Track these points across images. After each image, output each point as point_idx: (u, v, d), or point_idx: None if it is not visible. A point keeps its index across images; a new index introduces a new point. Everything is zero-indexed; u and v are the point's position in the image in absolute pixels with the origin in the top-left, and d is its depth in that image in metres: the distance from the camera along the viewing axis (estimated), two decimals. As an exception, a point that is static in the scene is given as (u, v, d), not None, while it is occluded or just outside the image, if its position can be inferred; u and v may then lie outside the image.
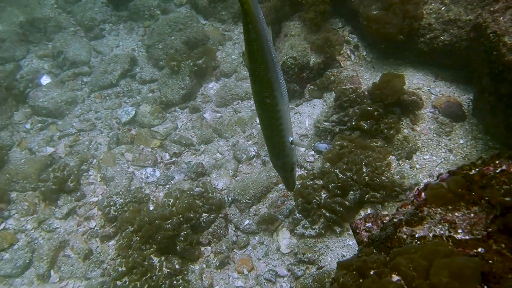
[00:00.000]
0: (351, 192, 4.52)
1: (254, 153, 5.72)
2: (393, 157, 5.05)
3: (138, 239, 4.66)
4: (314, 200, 4.64)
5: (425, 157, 4.98)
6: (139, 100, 7.01)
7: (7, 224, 5.70)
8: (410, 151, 5.03)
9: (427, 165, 4.91)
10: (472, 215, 2.34)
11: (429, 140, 5.06)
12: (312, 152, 5.41)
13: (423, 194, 2.50)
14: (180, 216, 4.84)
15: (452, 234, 2.32)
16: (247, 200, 5.16)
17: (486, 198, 2.25)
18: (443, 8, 5.30)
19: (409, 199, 2.60)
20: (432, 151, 4.98)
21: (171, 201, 4.98)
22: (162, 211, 4.82)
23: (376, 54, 6.17)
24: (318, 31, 6.24)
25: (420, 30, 5.42)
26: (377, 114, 5.04)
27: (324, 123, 5.39)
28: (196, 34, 7.59)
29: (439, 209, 2.42)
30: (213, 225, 5.03)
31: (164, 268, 4.48)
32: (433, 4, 5.40)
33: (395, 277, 2.17)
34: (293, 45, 6.19)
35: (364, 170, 4.54)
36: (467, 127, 5.02)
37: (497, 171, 2.42)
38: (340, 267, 2.35)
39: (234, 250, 4.97)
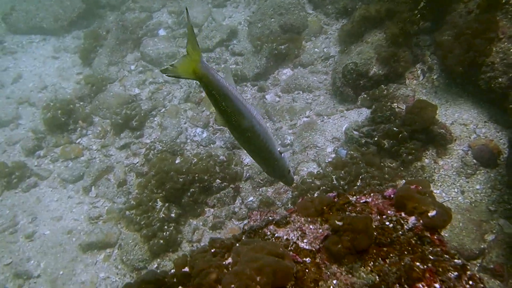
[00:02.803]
0: (338, 200, 4.68)
1: (289, 141, 6.06)
2: (405, 182, 5.01)
3: (154, 182, 5.43)
4: (305, 197, 4.90)
5: (435, 191, 4.85)
6: (221, 68, 7.73)
7: (81, 140, 6.99)
8: (423, 182, 4.94)
9: (433, 200, 4.79)
10: (320, 230, 2.56)
11: (446, 176, 4.90)
12: (334, 155, 5.59)
13: (300, 202, 2.75)
14: (196, 175, 5.48)
15: (298, 241, 2.58)
16: (260, 180, 5.59)
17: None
18: (512, 49, 4.96)
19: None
20: (444, 188, 4.83)
21: (195, 160, 5.64)
22: (182, 166, 5.51)
23: (446, 80, 5.94)
24: (394, 46, 6.17)
25: (483, 67, 5.15)
26: (401, 136, 5.01)
27: (354, 131, 5.50)
28: (294, 21, 7.97)
29: (302, 219, 2.67)
30: (222, 192, 5.58)
31: (161, 213, 5.20)
32: (505, 43, 5.06)
33: (229, 259, 2.53)
34: (361, 51, 6.27)
35: (358, 184, 4.65)
36: (492, 175, 4.74)
37: (361, 201, 2.57)
38: (209, 243, 2.76)
39: (232, 219, 5.48)
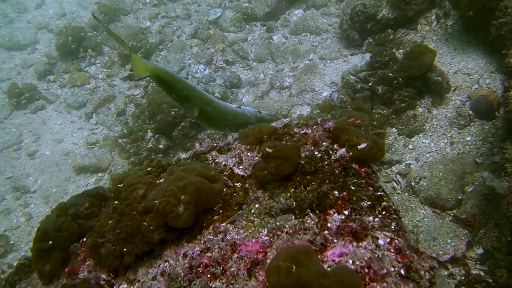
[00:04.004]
0: (320, 141, 4.61)
1: (288, 84, 5.95)
2: (395, 130, 4.87)
3: (147, 113, 5.50)
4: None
5: (424, 141, 4.70)
6: (233, 5, 7.55)
7: (89, 68, 7.13)
8: (414, 130, 4.77)
9: (420, 149, 4.64)
10: (256, 158, 2.55)
11: (438, 127, 4.71)
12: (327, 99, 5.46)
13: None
14: (189, 109, 5.50)
15: (234, 167, 2.58)
16: (252, 121, 5.58)
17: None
18: (529, -8, 4.58)
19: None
20: (434, 138, 4.66)
21: (190, 95, 5.65)
22: (176, 99, 5.53)
23: (460, 28, 5.60)
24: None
25: (496, 12, 4.79)
26: (395, 82, 4.82)
27: (351, 76, 5.32)
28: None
29: (242, 146, 2.66)
30: (213, 129, 5.60)
31: (150, 143, 5.29)
32: (523, -14, 4.68)
33: (162, 179, 2.56)
34: (373, -8, 5.95)
35: (342, 127, 4.55)
36: (486, 127, 4.51)
37: (301, 132, 2.52)
38: (147, 162, 2.82)
39: (222, 155, 5.52)
